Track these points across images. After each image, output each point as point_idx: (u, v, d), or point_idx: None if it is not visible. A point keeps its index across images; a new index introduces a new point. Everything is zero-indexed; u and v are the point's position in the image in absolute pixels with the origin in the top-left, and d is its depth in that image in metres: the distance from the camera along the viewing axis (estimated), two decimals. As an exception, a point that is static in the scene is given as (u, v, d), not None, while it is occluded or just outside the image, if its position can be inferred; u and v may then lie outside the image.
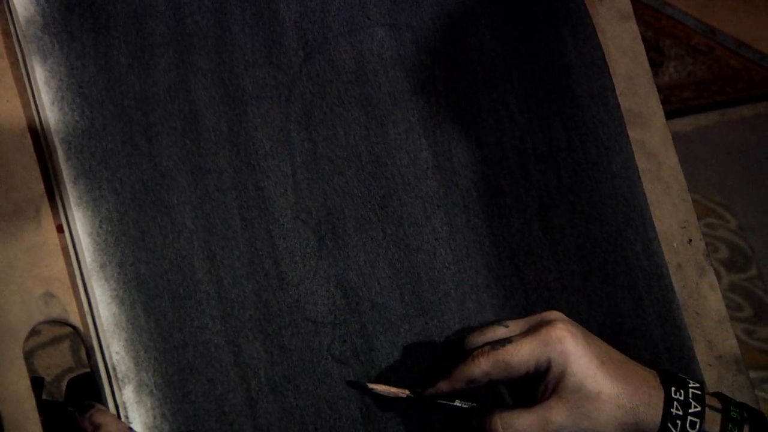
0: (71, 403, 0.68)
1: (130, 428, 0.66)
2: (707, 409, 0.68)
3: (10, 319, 0.66)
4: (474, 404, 0.70)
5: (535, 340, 0.68)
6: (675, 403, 0.67)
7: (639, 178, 0.83)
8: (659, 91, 0.87)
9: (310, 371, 0.72)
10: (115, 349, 0.67)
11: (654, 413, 0.67)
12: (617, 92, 0.84)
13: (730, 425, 0.67)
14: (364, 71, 0.77)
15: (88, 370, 0.68)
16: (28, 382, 0.65)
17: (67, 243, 0.68)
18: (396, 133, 0.77)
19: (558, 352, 0.67)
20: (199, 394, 0.69)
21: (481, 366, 0.68)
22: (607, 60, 0.85)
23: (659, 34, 2.81)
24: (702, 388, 0.69)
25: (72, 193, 0.68)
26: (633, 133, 0.84)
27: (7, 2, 0.69)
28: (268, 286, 0.72)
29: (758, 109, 2.58)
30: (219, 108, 0.73)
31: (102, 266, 0.68)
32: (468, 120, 0.79)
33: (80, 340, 0.68)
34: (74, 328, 0.67)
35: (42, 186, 0.68)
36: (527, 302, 0.78)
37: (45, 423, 0.66)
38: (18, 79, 0.69)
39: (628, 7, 0.88)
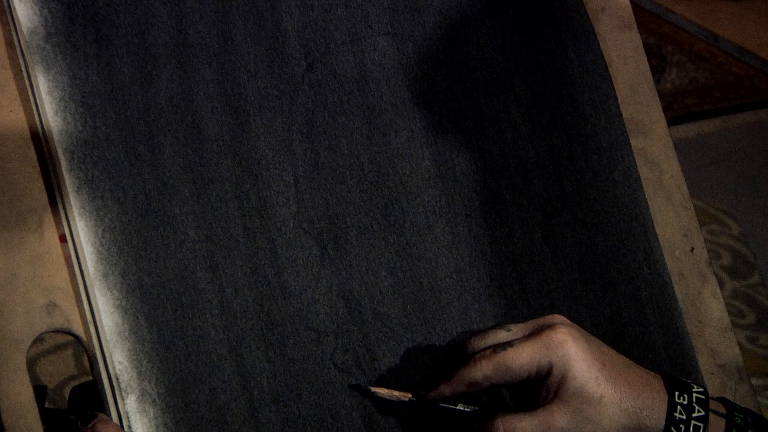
0: (74, 412, 0.68)
1: (133, 438, 0.66)
2: (711, 414, 0.67)
3: (13, 329, 0.66)
4: (476, 408, 0.70)
5: (536, 344, 0.68)
6: (678, 407, 0.67)
7: (641, 186, 0.83)
8: (661, 97, 0.87)
9: (313, 380, 0.72)
10: (118, 358, 0.67)
11: (657, 417, 0.67)
12: (619, 101, 0.84)
13: (734, 430, 0.67)
14: (366, 80, 0.77)
15: (91, 378, 0.68)
16: (32, 392, 0.65)
17: (69, 253, 0.68)
18: (398, 142, 0.77)
19: (559, 355, 0.67)
20: (201, 404, 0.69)
21: (483, 369, 0.68)
22: (609, 69, 0.85)
23: (661, 40, 2.82)
24: (706, 392, 0.69)
25: (75, 203, 0.68)
26: (635, 142, 0.84)
27: (11, 13, 0.69)
28: (271, 296, 0.72)
29: (760, 115, 2.58)
30: (221, 118, 0.73)
31: (105, 276, 0.68)
32: (470, 129, 0.80)
33: (83, 349, 0.68)
34: (77, 337, 0.68)
35: (45, 196, 0.68)
36: (529, 311, 0.78)
37: (48, 431, 0.66)
38: (21, 89, 0.69)
39: (630, 16, 0.88)
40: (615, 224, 0.82)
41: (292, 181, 0.74)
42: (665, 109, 0.87)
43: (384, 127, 0.77)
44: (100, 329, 0.67)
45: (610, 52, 0.86)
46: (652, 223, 0.83)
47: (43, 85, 0.68)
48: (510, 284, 0.78)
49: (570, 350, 0.67)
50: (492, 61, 0.81)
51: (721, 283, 0.85)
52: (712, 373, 0.83)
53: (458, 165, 0.79)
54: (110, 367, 0.67)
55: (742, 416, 0.68)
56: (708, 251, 0.86)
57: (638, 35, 0.88)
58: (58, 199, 0.68)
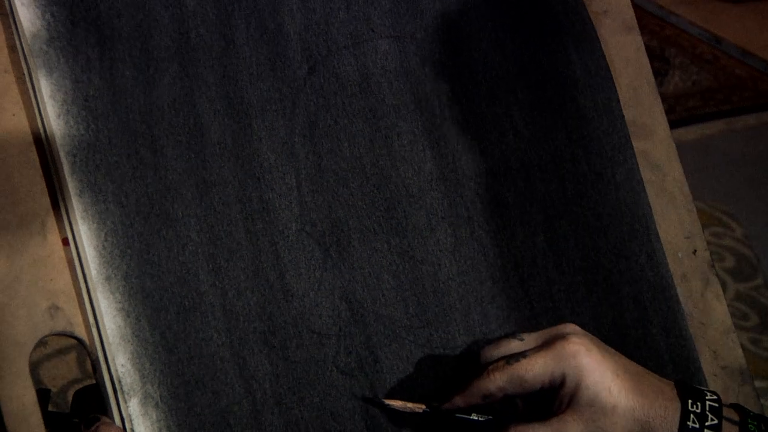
0: (77, 415, 0.69)
1: (136, 441, 0.66)
2: (724, 422, 0.67)
3: (16, 333, 0.66)
4: (490, 417, 0.70)
5: (549, 354, 0.68)
6: (691, 415, 0.67)
7: (643, 189, 0.83)
8: (664, 100, 0.87)
9: (315, 383, 0.72)
10: (121, 361, 0.67)
11: (670, 425, 0.67)
12: (621, 103, 0.84)
13: None
14: (368, 83, 0.77)
15: (94, 381, 0.68)
16: (35, 396, 0.65)
17: (72, 256, 0.68)
18: (400, 145, 0.77)
19: (572, 366, 0.67)
20: (204, 407, 0.69)
21: (496, 381, 0.68)
22: (612, 71, 0.85)
23: (664, 43, 2.82)
24: (719, 400, 0.68)
25: (77, 207, 0.68)
26: (637, 144, 0.84)
27: (13, 17, 0.69)
28: (273, 299, 0.72)
29: (763, 118, 2.58)
30: (223, 121, 0.73)
31: (107, 279, 0.68)
32: (472, 132, 0.80)
33: (86, 352, 0.68)
34: (80, 340, 0.68)
35: (47, 199, 0.68)
36: (532, 314, 0.78)
37: (51, 435, 0.66)
38: (24, 93, 0.69)
39: (632, 19, 0.88)
40: (617, 226, 0.82)
41: (294, 184, 0.74)
42: (668, 112, 0.87)
43: (386, 129, 0.77)
44: (102, 332, 0.67)
45: (612, 54, 0.86)
46: (655, 225, 0.83)
47: (45, 88, 0.69)
48: (512, 287, 0.78)
49: (583, 360, 0.67)
50: (494, 64, 0.81)
51: (724, 286, 0.85)
52: (715, 375, 0.83)
53: (460, 168, 0.79)
54: (113, 370, 0.67)
55: (755, 423, 0.68)
56: (711, 253, 0.86)
57: (640, 37, 0.88)
58: (61, 203, 0.68)
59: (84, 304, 0.67)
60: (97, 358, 0.67)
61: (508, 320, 0.77)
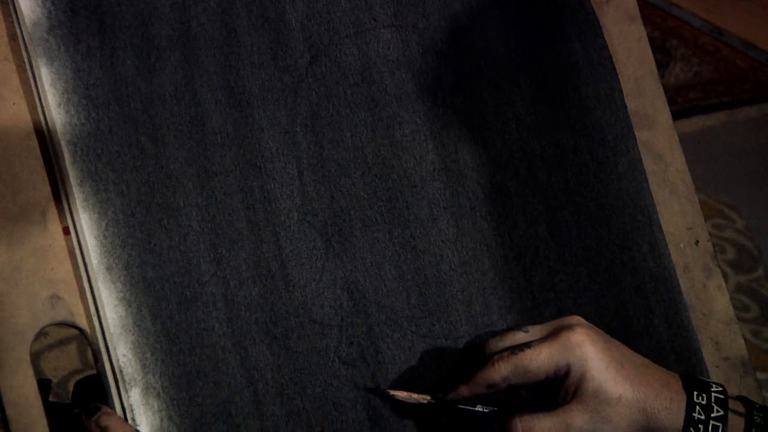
0: (78, 405, 0.68)
1: (137, 430, 0.66)
2: (730, 414, 0.67)
3: (17, 322, 0.66)
4: (495, 408, 0.70)
5: (554, 345, 0.68)
6: (697, 407, 0.67)
7: (646, 179, 0.83)
8: (666, 91, 0.87)
9: (317, 373, 0.71)
10: (122, 351, 0.67)
11: (676, 417, 0.67)
12: (624, 93, 0.84)
13: (753, 430, 0.67)
14: (370, 73, 0.77)
15: (95, 371, 0.68)
16: (35, 385, 0.65)
17: (73, 245, 0.68)
18: (402, 134, 0.77)
19: (577, 356, 0.67)
20: (205, 397, 0.69)
21: (501, 371, 0.68)
22: (614, 61, 0.84)
23: (666, 34, 2.81)
24: (725, 392, 0.68)
25: (78, 196, 0.68)
26: (640, 135, 0.84)
27: (14, 5, 0.69)
28: (275, 289, 0.72)
29: (765, 109, 2.57)
30: (225, 110, 0.73)
31: (108, 269, 0.68)
32: (474, 122, 0.79)
33: (87, 342, 0.68)
34: (81, 330, 0.67)
35: (48, 188, 0.68)
36: (534, 304, 0.78)
37: (52, 425, 0.66)
38: (24, 82, 0.69)
39: (635, 8, 0.87)
40: (620, 217, 0.81)
41: (296, 174, 0.74)
42: (669, 103, 0.87)
43: (388, 119, 0.77)
44: (103, 322, 0.67)
45: (615, 44, 0.85)
46: (657, 215, 0.83)
47: (46, 77, 0.68)
48: (514, 277, 0.78)
49: (588, 351, 0.67)
50: (496, 54, 0.81)
51: (725, 277, 0.85)
52: (717, 366, 0.83)
53: (462, 158, 0.78)
54: (114, 360, 0.67)
55: (761, 415, 0.68)
56: (713, 245, 0.85)
57: (643, 28, 0.88)
58: (62, 192, 0.68)
59: (85, 293, 0.67)
60: (98, 348, 0.67)
61: (511, 310, 0.77)
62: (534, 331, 0.70)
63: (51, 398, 0.69)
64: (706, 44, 2.81)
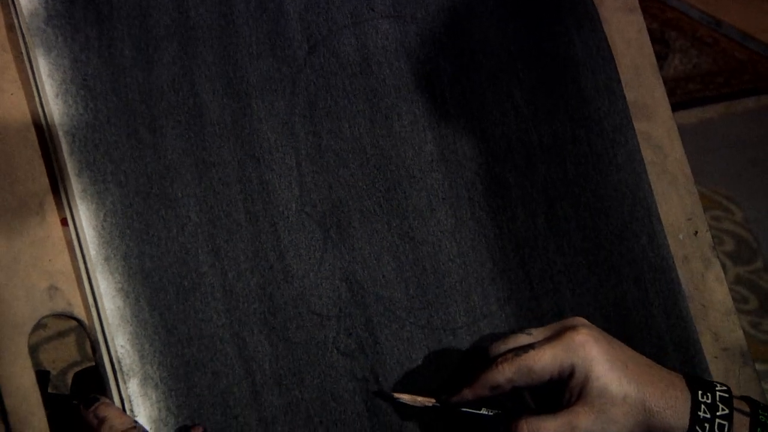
0: (77, 397, 0.68)
1: (135, 421, 0.66)
2: (735, 413, 0.67)
3: (15, 313, 0.65)
4: (499, 411, 0.70)
5: (557, 346, 0.68)
6: (702, 406, 0.67)
7: (645, 170, 0.83)
8: (664, 83, 0.87)
9: (315, 364, 0.71)
10: (120, 342, 0.67)
11: (681, 416, 0.67)
12: (623, 84, 0.84)
13: (758, 429, 0.67)
14: (369, 63, 0.77)
15: (94, 363, 0.68)
16: (34, 377, 0.65)
17: (71, 236, 0.68)
18: (401, 125, 0.77)
19: (581, 357, 0.67)
20: (204, 388, 0.68)
21: (505, 373, 0.68)
22: (613, 52, 0.84)
23: (664, 26, 2.81)
24: (729, 391, 0.68)
25: (76, 186, 0.67)
26: (639, 125, 0.84)
27: (11, -5, 0.69)
28: (273, 279, 0.71)
29: (763, 101, 2.57)
30: (223, 100, 0.72)
31: (106, 259, 0.67)
32: (473, 112, 0.79)
33: (85, 333, 0.68)
34: (79, 321, 0.67)
35: (46, 179, 0.68)
36: (532, 295, 0.78)
37: (50, 416, 0.66)
38: (22, 72, 0.69)
39: (634, -1, 0.87)
40: (618, 208, 0.81)
41: (294, 165, 0.74)
42: (668, 95, 0.86)
43: (386, 110, 0.77)
44: (101, 313, 0.67)
45: (614, 34, 0.85)
46: (656, 206, 0.83)
47: (43, 68, 0.68)
48: (513, 268, 0.78)
49: (592, 351, 0.67)
50: (495, 44, 0.81)
51: (724, 269, 0.85)
52: (716, 357, 0.83)
53: (461, 149, 0.78)
54: (112, 351, 0.67)
55: (766, 414, 0.68)
56: (711, 236, 0.85)
57: (642, 18, 0.88)
58: (60, 183, 0.68)
59: (83, 284, 0.67)
60: (97, 339, 0.67)
61: (509, 301, 0.77)
62: (537, 333, 0.70)
63: (50, 390, 0.69)
64: (705, 36, 2.81)
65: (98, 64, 0.70)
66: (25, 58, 0.69)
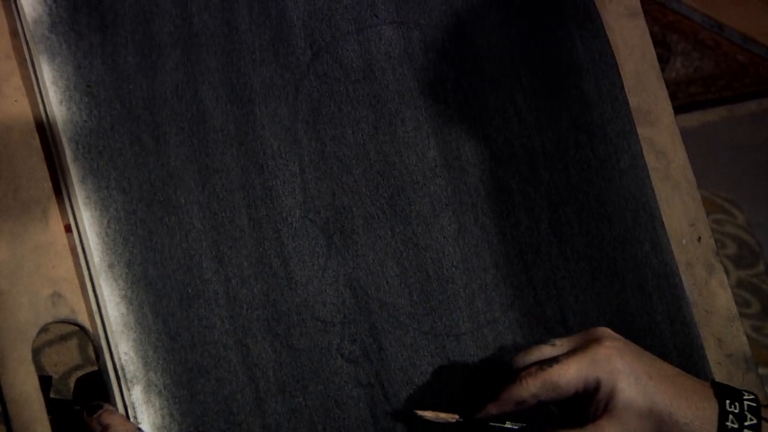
0: (79, 402, 0.68)
1: (139, 428, 0.66)
2: (764, 423, 0.66)
3: (18, 320, 0.65)
4: (524, 425, 0.69)
5: (583, 359, 0.67)
6: (730, 416, 0.66)
7: (648, 175, 0.83)
8: (666, 86, 0.87)
9: (319, 371, 0.71)
10: (124, 349, 0.67)
11: (708, 427, 0.66)
12: (626, 89, 0.84)
13: None
14: (372, 70, 0.77)
15: (96, 368, 0.68)
16: (37, 383, 0.65)
17: (75, 243, 0.68)
18: (404, 131, 0.77)
19: (606, 370, 0.66)
20: (207, 394, 0.68)
21: (530, 387, 0.67)
22: (616, 57, 0.84)
23: (666, 29, 2.81)
24: (757, 400, 0.67)
25: (80, 193, 0.67)
26: (642, 131, 0.84)
27: (15, 2, 0.69)
28: (277, 286, 0.71)
29: (765, 104, 2.57)
30: (226, 107, 0.72)
31: (110, 266, 0.67)
32: (476, 118, 0.79)
33: (88, 339, 0.68)
34: (82, 328, 0.67)
35: (50, 186, 0.68)
36: (536, 301, 0.78)
37: (53, 422, 0.66)
38: (26, 79, 0.69)
39: (637, 4, 0.87)
40: (622, 213, 0.81)
41: (297, 171, 0.74)
42: (670, 99, 0.86)
43: (390, 116, 0.77)
44: (105, 320, 0.67)
45: (617, 40, 0.85)
46: (659, 212, 0.83)
47: (47, 74, 0.68)
48: (516, 274, 0.78)
49: (617, 364, 0.66)
50: (498, 50, 0.81)
51: (725, 273, 0.85)
52: (719, 363, 0.82)
53: (464, 154, 0.78)
54: (116, 358, 0.67)
55: None
56: (715, 241, 0.85)
57: (645, 23, 0.87)
58: (63, 189, 0.68)
59: (86, 291, 0.67)
60: (100, 345, 0.67)
61: (512, 307, 0.77)
62: (561, 344, 0.69)
63: (52, 395, 0.69)
64: (707, 39, 2.81)
65: (102, 71, 0.70)
66: (29, 64, 0.69)
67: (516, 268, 0.78)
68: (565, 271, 0.79)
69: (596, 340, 0.68)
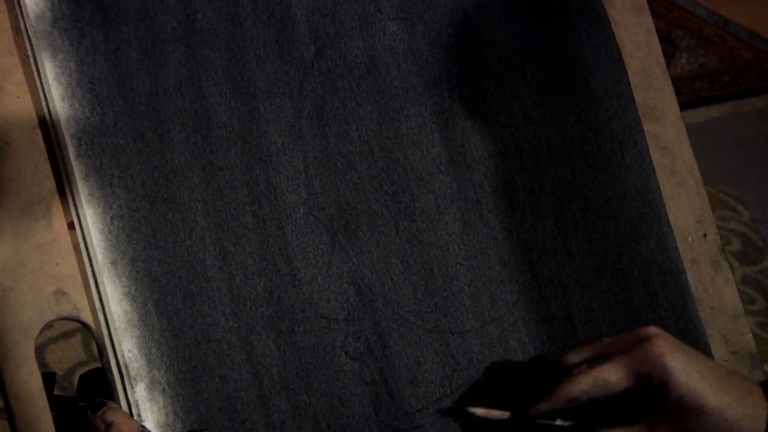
0: (83, 398, 0.68)
1: (143, 426, 0.66)
2: None
3: (22, 318, 0.65)
4: (574, 422, 0.70)
5: (634, 357, 0.67)
6: None
7: (654, 172, 0.82)
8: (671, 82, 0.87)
9: (323, 368, 0.71)
10: (127, 346, 0.67)
11: (759, 424, 0.66)
12: (632, 86, 0.83)
13: None
14: (376, 65, 0.77)
15: (100, 365, 0.68)
16: (40, 381, 0.65)
17: (78, 240, 0.67)
18: (408, 127, 0.77)
19: (657, 368, 0.66)
20: (211, 392, 0.68)
21: (581, 385, 0.67)
22: (622, 53, 0.84)
23: (671, 25, 2.80)
24: None
25: (83, 190, 0.67)
26: (647, 127, 0.84)
27: (17, -2, 0.68)
28: (281, 283, 0.71)
29: (771, 100, 2.56)
30: (230, 104, 0.72)
31: (113, 263, 0.67)
32: (481, 114, 0.79)
33: (92, 336, 0.68)
34: (86, 325, 0.67)
35: (53, 183, 0.68)
36: (541, 298, 0.77)
37: (56, 418, 0.66)
38: (28, 76, 0.68)
39: (642, 0, 0.87)
40: (627, 210, 0.81)
41: (301, 168, 0.73)
42: (675, 96, 0.86)
43: (394, 112, 0.76)
44: (109, 317, 0.67)
45: (623, 36, 0.85)
46: (665, 209, 0.82)
47: (50, 71, 0.68)
48: (521, 271, 0.78)
49: (668, 362, 0.67)
50: (503, 46, 0.81)
51: (730, 269, 0.84)
52: (725, 360, 0.82)
53: (469, 151, 0.78)
54: (119, 356, 0.66)
55: None
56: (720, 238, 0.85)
57: (651, 19, 0.87)
58: (66, 186, 0.68)
59: (90, 288, 0.67)
60: (104, 343, 0.67)
61: (517, 305, 0.77)
62: (611, 342, 0.69)
63: (56, 391, 0.68)
64: (712, 35, 2.80)
65: (105, 68, 0.69)
66: (32, 61, 0.68)
67: (521, 265, 0.78)
68: (570, 268, 0.79)
69: (647, 339, 0.68)
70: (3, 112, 0.67)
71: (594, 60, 0.83)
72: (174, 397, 0.67)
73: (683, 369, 0.67)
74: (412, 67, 0.78)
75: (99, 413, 0.65)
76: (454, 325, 0.75)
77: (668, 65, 0.86)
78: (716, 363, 0.70)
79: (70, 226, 0.68)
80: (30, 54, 0.68)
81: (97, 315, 0.67)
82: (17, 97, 0.68)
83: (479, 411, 0.71)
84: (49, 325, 0.67)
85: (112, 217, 0.68)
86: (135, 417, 0.66)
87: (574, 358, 0.70)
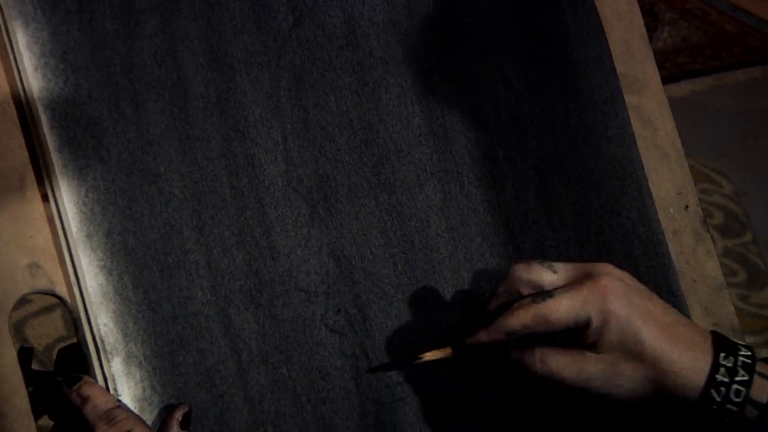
0: (61, 373, 0.67)
1: (119, 400, 0.65)
2: (757, 377, 0.65)
3: (-5, 291, 0.64)
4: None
5: (576, 296, 0.66)
6: (722, 369, 0.65)
7: (635, 143, 0.82)
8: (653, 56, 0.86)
9: (303, 342, 0.71)
10: (103, 320, 0.66)
11: (698, 378, 0.65)
12: (613, 57, 0.83)
13: None
14: (355, 36, 0.76)
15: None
16: (15, 355, 0.64)
17: (52, 212, 0.66)
18: (388, 99, 0.76)
19: (598, 309, 0.65)
20: (189, 366, 0.68)
21: (521, 319, 0.66)
22: (604, 25, 0.83)
23: (654, -2, 2.79)
24: (754, 356, 0.66)
25: (57, 162, 0.66)
26: (629, 99, 0.83)
27: (-12, -35, 0.67)
28: (259, 256, 0.70)
29: (753, 73, 2.56)
30: (207, 74, 0.71)
31: (88, 236, 0.66)
32: (462, 86, 0.78)
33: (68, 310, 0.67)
34: (61, 299, 0.66)
35: (26, 154, 0.67)
36: (522, 270, 0.77)
37: (34, 393, 0.65)
38: (0, 46, 0.67)
39: (624, -29, 0.86)
40: (609, 182, 0.80)
41: (280, 139, 0.72)
42: (657, 68, 0.86)
43: (374, 83, 0.76)
44: (84, 291, 0.66)
45: (604, 7, 0.84)
46: (647, 180, 0.82)
47: (21, 40, 0.67)
48: (503, 243, 0.77)
49: (610, 305, 0.65)
50: (485, 17, 0.80)
51: (712, 242, 0.84)
52: (707, 332, 0.82)
53: (450, 122, 0.77)
54: (95, 329, 0.66)
55: None
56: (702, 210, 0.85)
57: (632, -10, 0.86)
58: (40, 158, 0.67)
59: (65, 261, 0.66)
60: (79, 317, 0.66)
61: (498, 277, 0.76)
62: (561, 273, 0.67)
63: (34, 366, 0.68)
64: (694, 8, 2.80)
65: (79, 37, 0.68)
66: (3, 30, 0.67)
67: (503, 238, 0.77)
68: (552, 240, 0.78)
69: (595, 276, 0.67)
70: (-26, 83, 0.66)
71: (576, 31, 0.82)
72: (151, 371, 0.66)
73: (624, 313, 0.65)
74: (392, 37, 0.77)
75: (75, 388, 0.65)
76: (434, 298, 0.74)
77: (651, 39, 0.85)
78: (669, 309, 0.68)
79: (44, 198, 0.67)
80: (1, 23, 0.67)
81: (72, 288, 0.66)
82: (-11, 68, 0.67)
83: (427, 355, 0.70)
84: (28, 300, 0.66)
85: (86, 190, 0.67)
86: (111, 391, 0.65)
87: (521, 274, 0.68)
